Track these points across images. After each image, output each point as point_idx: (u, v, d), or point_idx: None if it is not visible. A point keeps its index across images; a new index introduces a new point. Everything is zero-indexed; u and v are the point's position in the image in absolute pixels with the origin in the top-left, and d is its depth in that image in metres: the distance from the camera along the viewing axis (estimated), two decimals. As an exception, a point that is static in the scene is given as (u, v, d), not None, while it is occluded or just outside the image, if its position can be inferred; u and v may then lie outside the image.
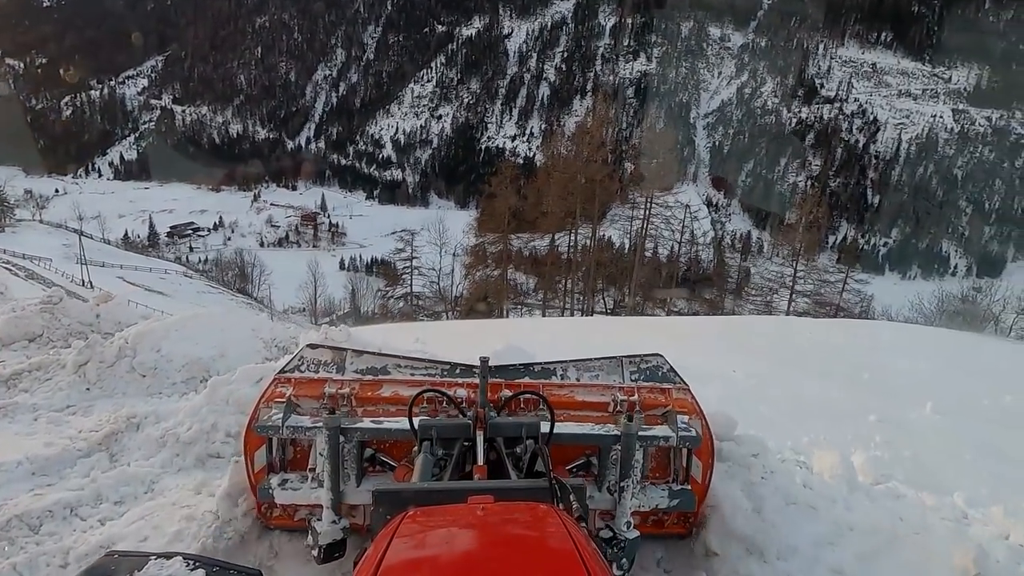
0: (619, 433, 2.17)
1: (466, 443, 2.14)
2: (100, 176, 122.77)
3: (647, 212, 30.89)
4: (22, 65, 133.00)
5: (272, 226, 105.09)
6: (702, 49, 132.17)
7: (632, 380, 2.62)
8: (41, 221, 72.08)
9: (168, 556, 1.19)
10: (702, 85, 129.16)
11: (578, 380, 2.60)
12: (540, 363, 2.60)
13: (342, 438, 2.19)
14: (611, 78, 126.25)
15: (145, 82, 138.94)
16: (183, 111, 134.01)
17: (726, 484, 2.61)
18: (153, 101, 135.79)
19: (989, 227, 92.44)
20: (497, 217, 31.13)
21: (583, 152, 30.54)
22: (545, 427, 2.14)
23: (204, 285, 54.28)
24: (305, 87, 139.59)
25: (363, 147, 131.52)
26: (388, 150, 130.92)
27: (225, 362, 4.42)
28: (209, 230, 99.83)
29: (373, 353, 2.61)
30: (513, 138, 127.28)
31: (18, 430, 3.73)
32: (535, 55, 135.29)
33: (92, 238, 61.90)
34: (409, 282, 33.14)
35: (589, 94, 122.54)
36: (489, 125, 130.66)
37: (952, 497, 3.05)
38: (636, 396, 2.53)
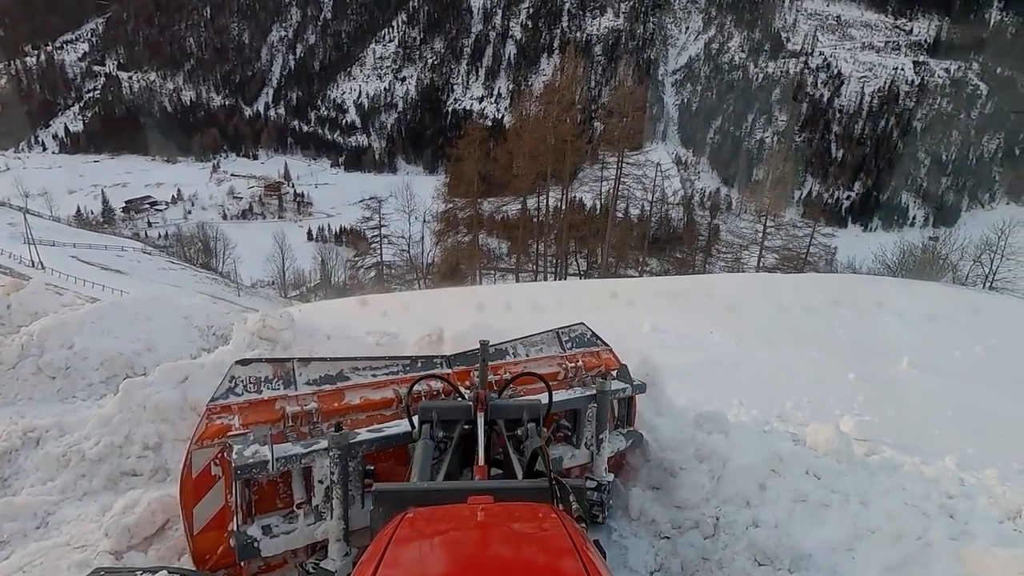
0: (595, 392, 2.47)
1: (466, 427, 2.09)
2: (44, 150, 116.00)
3: (618, 172, 30.60)
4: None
5: (234, 198, 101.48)
6: (669, 3, 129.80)
7: (567, 348, 2.92)
8: (-20, 200, 67.91)
9: (154, 571, 1.19)
10: (670, 41, 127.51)
11: (527, 356, 2.77)
12: (493, 345, 2.62)
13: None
14: (578, 35, 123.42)
15: (86, 47, 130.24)
16: (129, 78, 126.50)
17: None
18: (96, 68, 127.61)
19: (946, 178, 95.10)
20: (466, 181, 30.45)
21: (552, 112, 29.87)
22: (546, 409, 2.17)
23: (165, 261, 52.30)
24: (260, 49, 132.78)
25: (325, 112, 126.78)
26: (352, 115, 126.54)
27: (153, 357, 3.87)
28: (167, 204, 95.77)
29: (323, 359, 2.38)
30: (480, 99, 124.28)
31: None
32: (500, 12, 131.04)
33: (40, 216, 58.70)
34: (379, 251, 32.41)
35: (557, 52, 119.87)
36: (455, 87, 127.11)
37: (944, 461, 2.99)
38: (579, 362, 2.86)
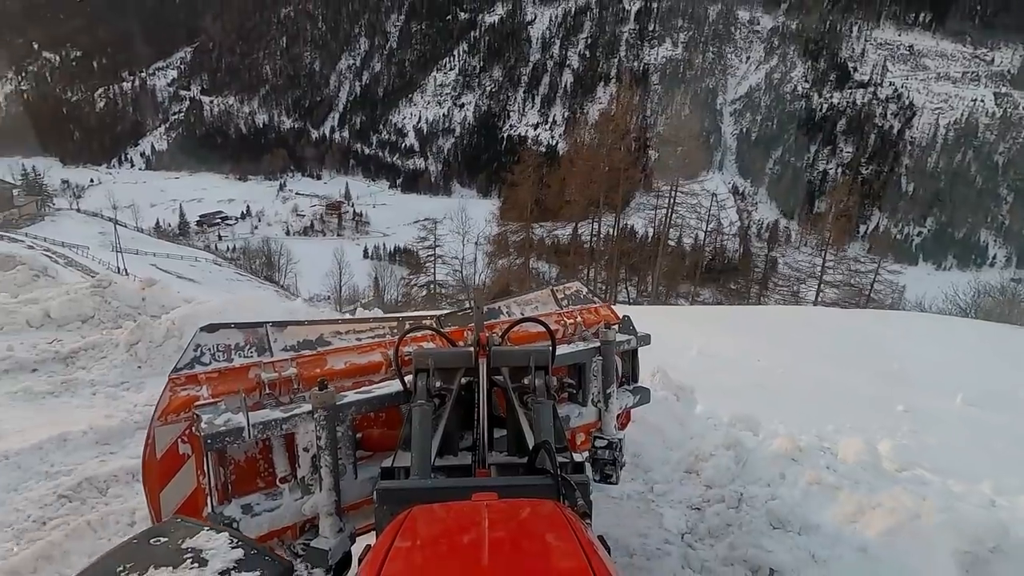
0: (599, 345, 2.38)
1: (464, 379, 1.91)
2: (132, 166, 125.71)
3: (671, 200, 30.53)
4: (57, 58, 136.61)
5: (298, 215, 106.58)
6: (730, 33, 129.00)
7: (564, 306, 2.81)
8: (78, 210, 74.45)
9: (219, 530, 1.25)
10: (729, 70, 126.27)
11: (522, 314, 2.63)
12: (486, 306, 2.56)
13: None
14: (636, 64, 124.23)
15: (175, 73, 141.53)
16: (211, 102, 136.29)
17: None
18: (182, 92, 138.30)
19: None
20: (520, 206, 31.12)
21: (607, 140, 30.27)
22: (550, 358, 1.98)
23: (233, 272, 55.54)
24: (329, 77, 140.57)
25: (386, 136, 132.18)
26: (411, 139, 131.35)
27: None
28: (237, 219, 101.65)
29: (300, 323, 2.14)
30: (535, 126, 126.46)
31: (79, 403, 3.89)
32: (558, 42, 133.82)
33: (126, 226, 63.72)
34: (432, 270, 33.39)
35: (613, 81, 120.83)
36: (511, 113, 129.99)
37: (980, 485, 3.05)
38: (578, 318, 2.75)
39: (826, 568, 2.51)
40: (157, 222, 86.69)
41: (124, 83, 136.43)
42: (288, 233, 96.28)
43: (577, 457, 1.63)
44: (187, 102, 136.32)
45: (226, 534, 1.23)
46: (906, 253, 77.85)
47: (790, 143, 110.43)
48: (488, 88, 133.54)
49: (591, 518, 1.40)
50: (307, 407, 1.76)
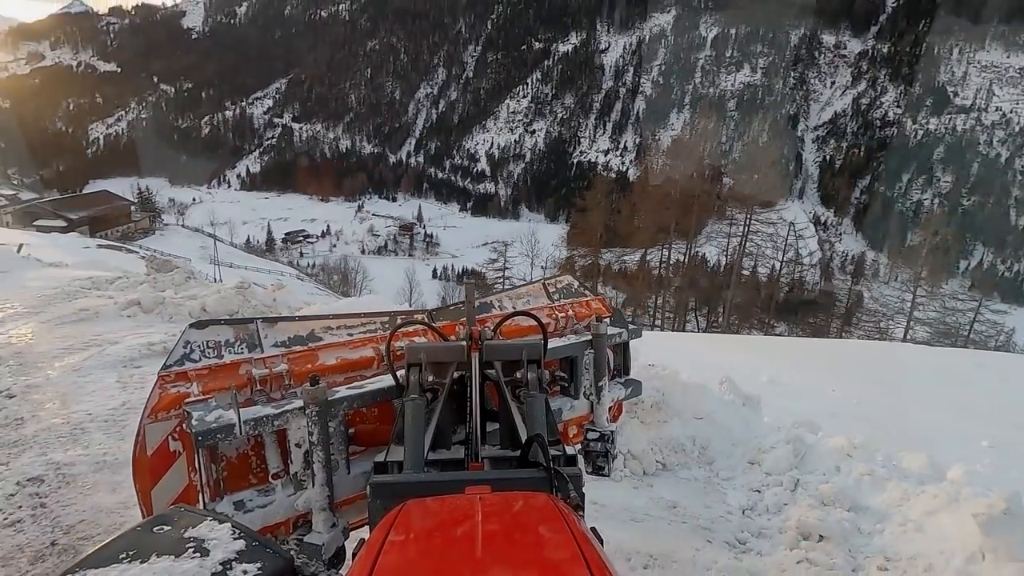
0: (591, 338, 2.41)
1: (456, 373, 1.91)
2: (229, 187, 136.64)
3: (745, 229, 29.63)
4: (172, 89, 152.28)
5: (373, 235, 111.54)
6: (814, 58, 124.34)
7: (555, 300, 2.81)
8: (183, 226, 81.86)
9: (221, 520, 1.25)
10: (812, 96, 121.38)
11: (514, 308, 2.61)
12: (478, 298, 2.52)
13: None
14: (711, 90, 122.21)
15: (270, 102, 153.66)
16: (300, 128, 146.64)
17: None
18: (276, 119, 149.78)
19: None
20: (588, 231, 31.25)
21: (679, 166, 29.98)
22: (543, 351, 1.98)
23: (313, 287, 58.83)
24: (408, 105, 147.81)
25: (459, 161, 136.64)
26: (482, 164, 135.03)
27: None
28: (318, 237, 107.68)
29: (291, 318, 2.13)
30: (606, 152, 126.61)
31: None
32: (631, 69, 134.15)
33: (223, 241, 69.30)
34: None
35: (687, 107, 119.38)
36: (582, 139, 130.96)
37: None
38: (570, 311, 2.75)
39: (869, 537, 2.74)
40: (247, 238, 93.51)
41: (226, 111, 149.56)
42: (364, 252, 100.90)
43: (569, 450, 1.65)
44: (279, 128, 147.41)
45: (228, 525, 1.24)
46: (1015, 292, 70.68)
47: (880, 171, 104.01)
48: (559, 115, 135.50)
49: (584, 510, 1.42)
50: (299, 403, 1.77)
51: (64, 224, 53.82)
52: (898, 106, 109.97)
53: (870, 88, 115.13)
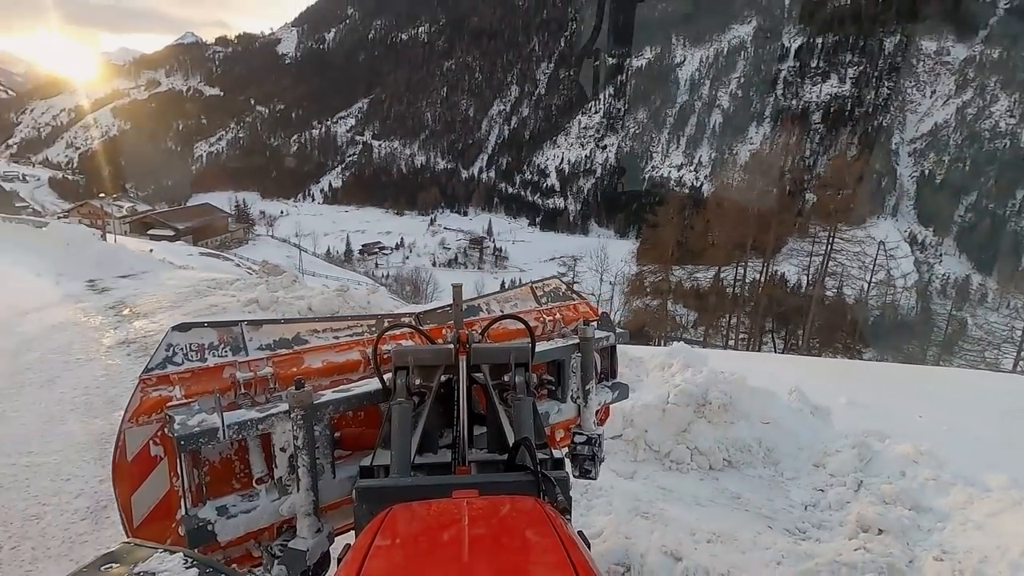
0: (578, 341, 2.41)
1: (444, 377, 1.89)
2: (313, 200, 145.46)
3: (828, 248, 28.16)
4: (266, 111, 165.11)
5: (444, 248, 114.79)
6: (911, 66, 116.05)
7: (543, 303, 2.80)
8: (272, 236, 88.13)
9: (172, 551, 1.25)
10: (909, 107, 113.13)
11: (501, 311, 2.60)
12: (465, 301, 2.46)
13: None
14: (794, 102, 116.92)
15: (353, 121, 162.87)
16: (379, 145, 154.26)
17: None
18: (357, 137, 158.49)
19: None
20: (660, 247, 30.81)
21: (758, 181, 29.04)
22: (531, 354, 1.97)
23: (387, 296, 61.47)
24: (481, 121, 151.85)
25: (529, 176, 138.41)
26: (552, 179, 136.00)
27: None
28: (392, 249, 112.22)
29: (276, 321, 2.11)
30: (679, 167, 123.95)
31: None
32: (708, 82, 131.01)
33: (307, 251, 73.96)
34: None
35: (767, 120, 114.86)
36: (654, 154, 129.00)
37: None
38: (557, 315, 2.75)
39: (928, 533, 2.76)
40: (328, 249, 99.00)
41: (313, 130, 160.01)
42: (435, 264, 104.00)
43: (557, 453, 1.65)
44: (360, 146, 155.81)
45: (180, 555, 1.21)
46: None
47: (988, 187, 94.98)
48: (632, 130, 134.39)
49: (571, 514, 1.42)
50: (284, 406, 1.74)
51: (172, 233, 59.54)
52: (1011, 116, 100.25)
53: (978, 97, 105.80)
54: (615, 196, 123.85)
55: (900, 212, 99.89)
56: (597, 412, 2.59)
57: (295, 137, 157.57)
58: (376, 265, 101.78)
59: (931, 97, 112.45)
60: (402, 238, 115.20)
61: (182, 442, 1.59)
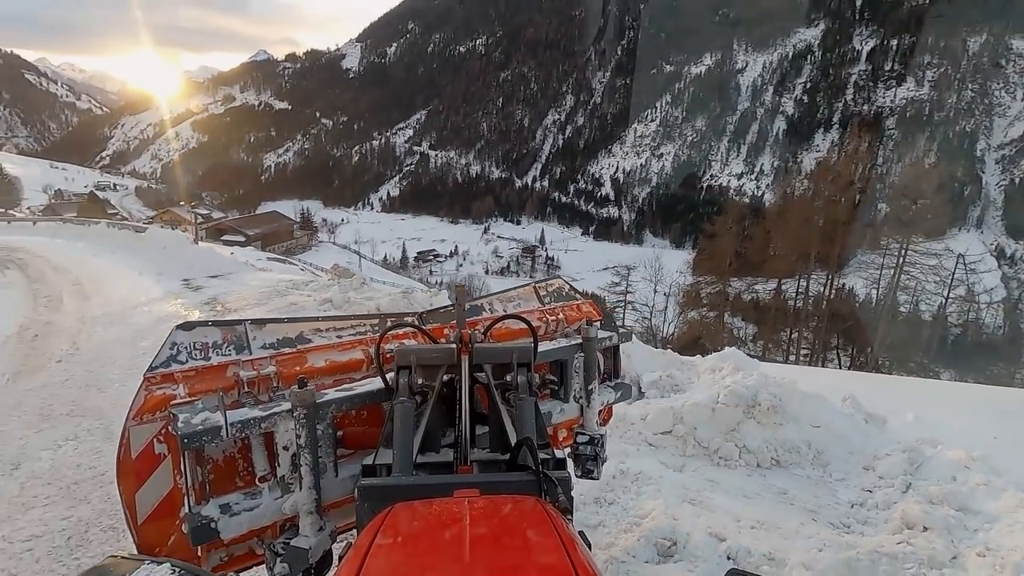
0: (581, 341, 2.39)
1: (446, 376, 1.89)
2: (372, 209, 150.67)
3: (900, 260, 26.69)
4: (330, 123, 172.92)
5: (497, 256, 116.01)
6: (999, 67, 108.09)
7: (546, 303, 2.81)
8: (333, 243, 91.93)
9: (159, 562, 1.25)
10: (997, 111, 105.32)
11: (504, 311, 2.60)
12: (468, 301, 2.47)
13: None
14: (865, 107, 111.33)
15: (411, 132, 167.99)
16: (436, 155, 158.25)
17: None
18: (415, 147, 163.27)
19: None
20: (717, 257, 30.11)
21: (824, 190, 27.92)
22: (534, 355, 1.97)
23: (446, 300, 62.85)
24: (536, 131, 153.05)
25: (583, 185, 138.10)
26: (606, 188, 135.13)
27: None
28: (446, 257, 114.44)
29: (279, 320, 2.13)
30: (739, 176, 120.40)
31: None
32: (771, 88, 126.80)
33: (365, 257, 76.77)
34: (623, 315, 33.83)
35: (835, 127, 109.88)
36: (713, 163, 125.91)
37: None
38: (560, 315, 2.75)
39: (974, 533, 2.76)
40: (384, 256, 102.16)
41: (373, 141, 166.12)
42: (487, 272, 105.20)
43: (559, 453, 1.66)
44: (418, 156, 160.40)
45: (167, 565, 1.22)
46: None
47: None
48: (689, 138, 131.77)
49: (572, 514, 1.42)
50: (287, 405, 1.75)
51: (243, 239, 63.30)
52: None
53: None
54: (671, 205, 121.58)
55: (985, 223, 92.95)
56: (600, 412, 2.59)
57: (356, 148, 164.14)
58: (430, 272, 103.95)
59: (1022, 100, 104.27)
60: (456, 246, 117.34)
61: (185, 440, 1.61)
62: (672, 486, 3.21)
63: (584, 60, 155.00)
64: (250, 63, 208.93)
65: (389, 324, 2.21)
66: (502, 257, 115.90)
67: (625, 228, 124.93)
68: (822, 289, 29.40)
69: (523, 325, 2.15)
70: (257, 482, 1.82)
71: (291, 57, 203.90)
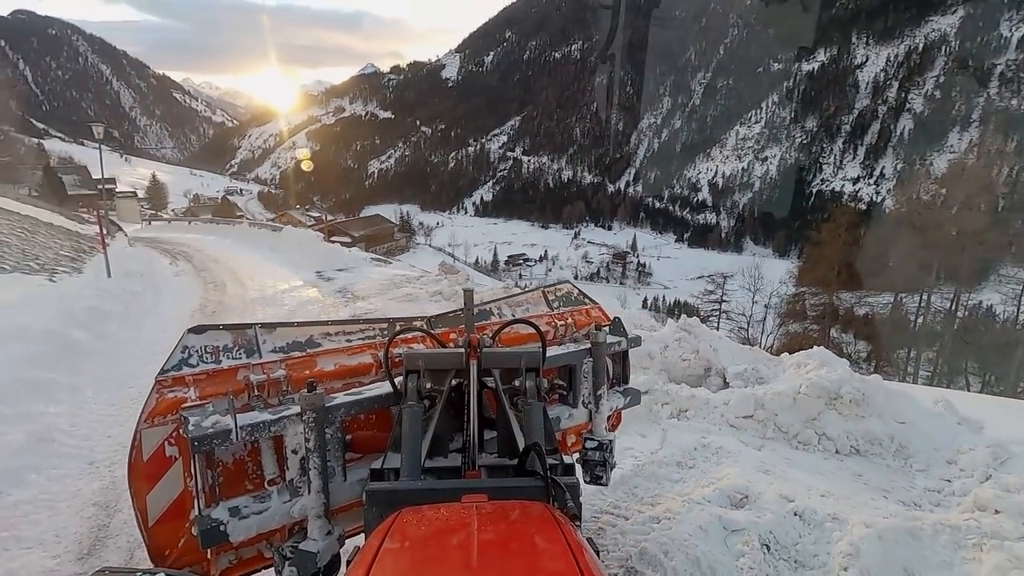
0: (589, 346, 2.37)
1: (455, 381, 1.90)
2: (466, 213, 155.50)
3: (1049, 275, 23.63)
4: (429, 131, 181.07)
5: (587, 261, 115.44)
6: None
7: (555, 307, 2.81)
8: (429, 246, 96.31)
9: (153, 572, 1.24)
10: None
11: (513, 315, 2.62)
12: (477, 305, 2.47)
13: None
14: (1015, 102, 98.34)
15: (505, 138, 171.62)
16: (529, 160, 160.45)
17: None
18: (508, 153, 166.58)
19: None
20: (823, 267, 28.29)
21: (957, 195, 25.37)
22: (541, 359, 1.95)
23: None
24: (631, 135, 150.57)
25: (679, 190, 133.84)
26: (704, 193, 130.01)
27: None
28: (536, 261, 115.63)
29: (289, 324, 2.13)
30: (855, 180, 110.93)
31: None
32: (895, 84, 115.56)
33: (459, 260, 79.75)
34: (716, 324, 32.71)
35: (973, 124, 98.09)
36: (824, 166, 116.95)
37: None
38: (569, 319, 2.75)
39: None
40: (476, 259, 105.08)
41: (469, 147, 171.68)
42: (576, 277, 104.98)
43: (567, 459, 1.66)
44: (511, 161, 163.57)
45: (162, 574, 1.22)
46: None
47: None
48: (798, 140, 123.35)
49: (580, 520, 1.41)
50: (296, 409, 1.75)
51: (349, 240, 68.20)
52: None
53: None
54: (775, 212, 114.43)
55: None
56: (609, 418, 2.57)
57: (453, 154, 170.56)
58: (520, 276, 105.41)
59: None
60: (546, 250, 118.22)
61: (196, 443, 1.62)
62: (749, 459, 3.49)
63: (684, 61, 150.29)
64: (359, 76, 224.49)
65: (398, 328, 2.24)
66: (592, 262, 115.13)
67: (723, 235, 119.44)
68: (949, 305, 26.71)
69: (532, 330, 2.15)
70: (266, 485, 1.84)
71: (395, 69, 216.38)
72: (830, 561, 2.42)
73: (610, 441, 2.38)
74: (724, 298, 32.77)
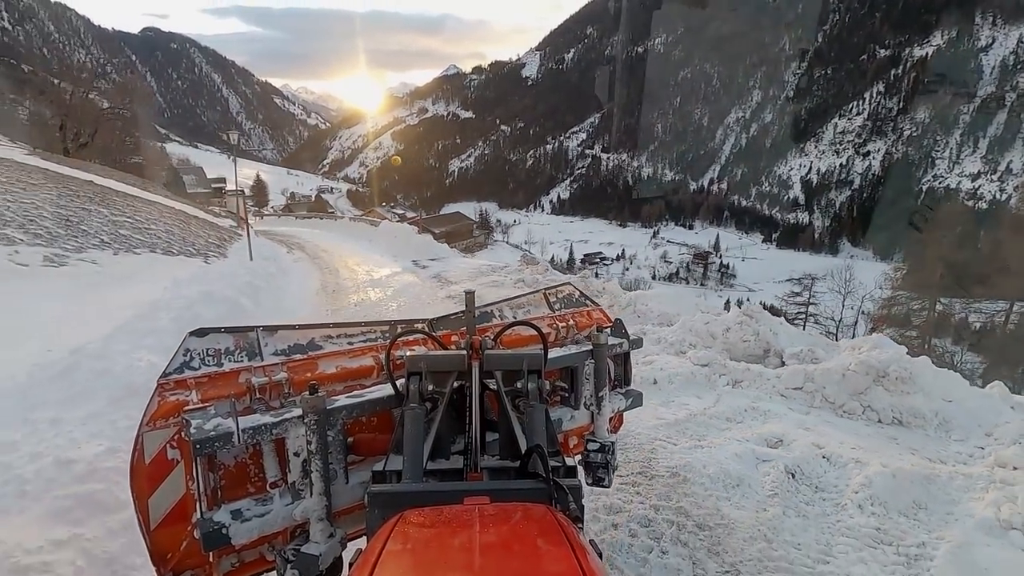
0: (591, 348, 2.41)
1: (456, 383, 1.90)
2: (543, 211, 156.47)
3: None
4: (509, 129, 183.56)
5: (665, 261, 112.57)
6: None
7: (556, 309, 2.84)
8: (507, 243, 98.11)
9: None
10: None
11: (514, 317, 2.66)
12: (478, 308, 2.50)
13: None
14: None
15: (584, 136, 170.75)
16: (608, 158, 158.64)
17: None
18: (587, 151, 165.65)
19: None
20: (924, 270, 26.41)
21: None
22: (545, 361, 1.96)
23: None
24: (716, 130, 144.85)
25: (767, 188, 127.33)
26: (795, 191, 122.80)
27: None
28: (612, 260, 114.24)
29: (291, 327, 2.16)
30: (974, 176, 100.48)
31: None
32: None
33: (535, 257, 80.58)
34: (802, 328, 31.32)
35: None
36: (938, 161, 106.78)
37: None
38: (571, 321, 2.79)
39: None
40: (552, 257, 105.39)
41: (547, 145, 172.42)
42: (654, 277, 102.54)
43: (569, 461, 1.66)
44: (589, 159, 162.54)
45: None
46: None
47: None
48: (907, 133, 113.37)
49: (583, 522, 1.42)
50: (297, 412, 1.76)
51: (431, 236, 71.13)
52: None
53: None
54: (879, 211, 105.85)
55: None
56: (611, 419, 2.60)
57: (531, 152, 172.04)
58: (596, 275, 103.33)
59: None
60: (623, 249, 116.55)
61: (198, 446, 1.63)
62: (793, 420, 3.98)
63: (777, 51, 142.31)
64: (441, 77, 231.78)
65: (399, 331, 2.27)
66: (671, 262, 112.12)
67: (816, 235, 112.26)
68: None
69: (533, 332, 2.15)
70: (268, 488, 1.85)
71: (477, 69, 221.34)
72: (846, 490, 2.90)
73: (612, 443, 2.42)
74: (812, 300, 31.32)
